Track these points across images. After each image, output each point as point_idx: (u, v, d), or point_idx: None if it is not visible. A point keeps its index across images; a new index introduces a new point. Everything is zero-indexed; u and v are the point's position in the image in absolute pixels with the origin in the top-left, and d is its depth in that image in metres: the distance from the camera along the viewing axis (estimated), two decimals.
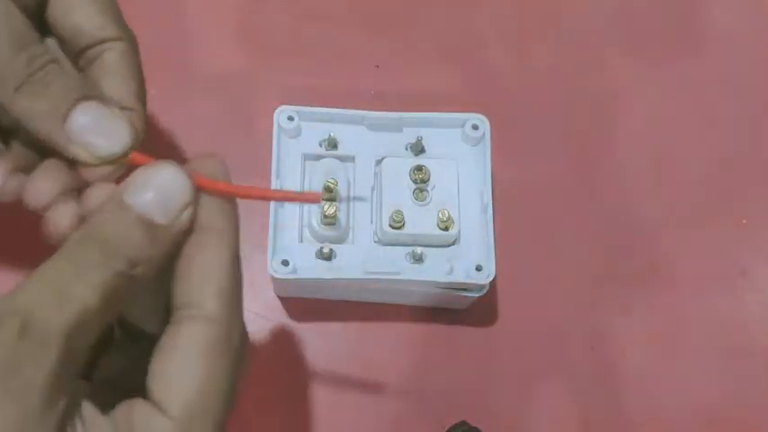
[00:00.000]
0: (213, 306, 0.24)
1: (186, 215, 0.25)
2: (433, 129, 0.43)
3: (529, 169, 0.48)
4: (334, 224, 0.40)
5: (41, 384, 0.21)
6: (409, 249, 0.40)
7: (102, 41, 0.30)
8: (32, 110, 0.27)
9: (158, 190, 0.24)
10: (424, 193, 0.41)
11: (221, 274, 0.25)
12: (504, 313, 0.45)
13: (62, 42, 0.31)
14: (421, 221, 0.39)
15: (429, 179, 0.41)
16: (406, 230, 0.40)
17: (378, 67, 0.50)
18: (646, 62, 0.52)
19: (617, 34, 0.52)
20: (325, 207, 0.40)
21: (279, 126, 0.41)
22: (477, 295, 0.41)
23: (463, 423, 0.42)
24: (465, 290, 0.41)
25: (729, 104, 0.51)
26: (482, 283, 0.40)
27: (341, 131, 0.42)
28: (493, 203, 0.41)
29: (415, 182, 0.41)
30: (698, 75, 0.51)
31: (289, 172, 0.41)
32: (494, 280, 0.40)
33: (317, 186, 0.41)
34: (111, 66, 0.30)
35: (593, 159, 0.49)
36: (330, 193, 0.41)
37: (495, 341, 0.45)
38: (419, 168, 0.41)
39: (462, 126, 0.43)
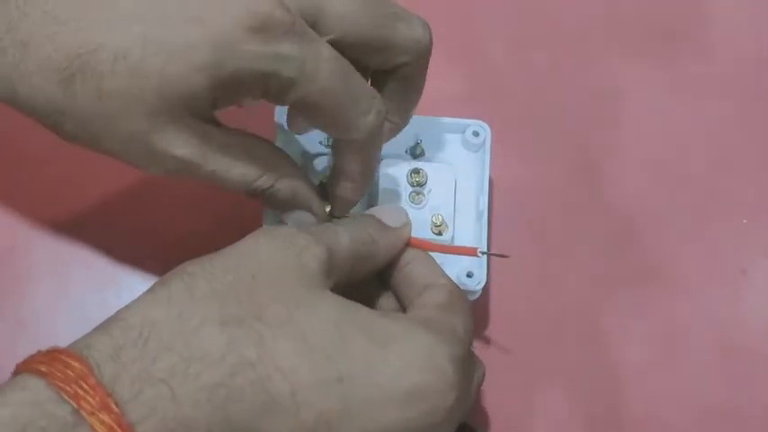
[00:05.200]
0: (447, 281, 0.36)
1: (405, 229, 0.37)
2: (434, 133, 0.43)
3: (528, 169, 0.48)
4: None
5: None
6: None
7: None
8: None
9: (387, 211, 0.38)
10: (420, 196, 0.41)
11: (441, 271, 0.37)
12: (504, 313, 0.45)
13: None
14: (415, 224, 0.39)
15: (426, 183, 0.41)
16: None
17: None
18: (646, 62, 0.51)
19: (617, 34, 0.52)
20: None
21: (279, 122, 0.41)
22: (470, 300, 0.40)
23: (462, 424, 0.42)
24: None
25: (730, 104, 0.51)
26: (472, 289, 0.40)
27: None
28: (492, 204, 0.41)
29: (411, 184, 0.41)
30: (698, 75, 0.51)
31: None
32: (488, 282, 0.40)
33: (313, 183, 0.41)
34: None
35: (593, 159, 0.49)
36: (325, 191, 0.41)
37: (494, 341, 0.45)
38: (416, 171, 0.41)
39: (463, 132, 0.42)
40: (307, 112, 0.35)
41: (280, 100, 0.34)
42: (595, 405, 0.44)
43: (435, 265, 0.37)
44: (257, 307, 0.30)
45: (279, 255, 0.32)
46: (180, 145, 0.33)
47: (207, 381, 0.28)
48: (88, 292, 0.44)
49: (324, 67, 0.32)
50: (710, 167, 0.49)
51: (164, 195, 0.46)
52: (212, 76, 0.31)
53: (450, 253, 0.40)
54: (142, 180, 0.46)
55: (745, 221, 0.48)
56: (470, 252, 0.39)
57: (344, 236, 0.35)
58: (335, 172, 0.38)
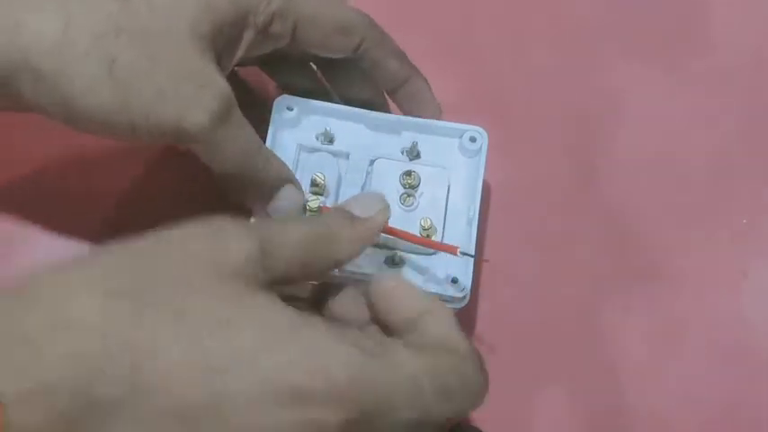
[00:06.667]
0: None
1: (378, 218, 0.35)
2: (431, 135, 0.43)
3: (528, 168, 0.48)
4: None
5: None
6: (390, 253, 0.40)
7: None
8: (250, 188, 0.39)
9: (362, 200, 0.37)
10: (411, 198, 0.41)
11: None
12: (504, 313, 0.45)
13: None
14: (403, 226, 0.39)
15: (418, 185, 0.41)
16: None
17: None
18: (646, 62, 0.51)
19: (617, 34, 0.52)
20: (310, 200, 0.40)
21: (276, 114, 0.41)
22: (456, 308, 0.40)
23: (463, 423, 0.42)
24: (442, 301, 0.39)
25: (730, 104, 0.51)
26: (456, 295, 0.39)
27: (338, 127, 0.42)
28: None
29: (403, 186, 0.41)
30: (698, 75, 0.51)
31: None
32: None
33: (306, 178, 0.41)
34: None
35: (593, 159, 0.49)
36: (316, 187, 0.41)
37: (494, 341, 0.45)
38: (409, 173, 0.41)
39: (460, 137, 0.42)
40: (304, 34, 0.40)
41: (281, 22, 0.39)
42: (596, 405, 0.44)
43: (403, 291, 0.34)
44: (147, 285, 0.29)
45: (198, 244, 0.31)
46: (219, 69, 0.37)
47: (73, 348, 0.27)
48: None
49: None
50: (710, 167, 0.49)
51: (165, 196, 0.46)
52: (234, 2, 0.37)
53: (429, 247, 0.40)
54: (144, 180, 0.46)
55: (745, 221, 0.48)
56: (450, 249, 0.38)
57: (294, 232, 0.33)
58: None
